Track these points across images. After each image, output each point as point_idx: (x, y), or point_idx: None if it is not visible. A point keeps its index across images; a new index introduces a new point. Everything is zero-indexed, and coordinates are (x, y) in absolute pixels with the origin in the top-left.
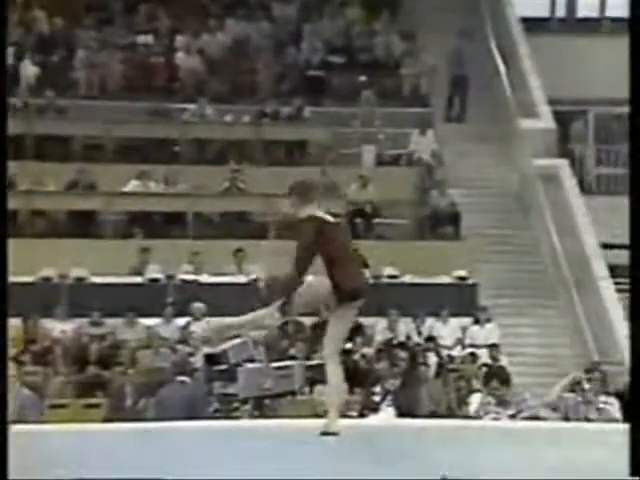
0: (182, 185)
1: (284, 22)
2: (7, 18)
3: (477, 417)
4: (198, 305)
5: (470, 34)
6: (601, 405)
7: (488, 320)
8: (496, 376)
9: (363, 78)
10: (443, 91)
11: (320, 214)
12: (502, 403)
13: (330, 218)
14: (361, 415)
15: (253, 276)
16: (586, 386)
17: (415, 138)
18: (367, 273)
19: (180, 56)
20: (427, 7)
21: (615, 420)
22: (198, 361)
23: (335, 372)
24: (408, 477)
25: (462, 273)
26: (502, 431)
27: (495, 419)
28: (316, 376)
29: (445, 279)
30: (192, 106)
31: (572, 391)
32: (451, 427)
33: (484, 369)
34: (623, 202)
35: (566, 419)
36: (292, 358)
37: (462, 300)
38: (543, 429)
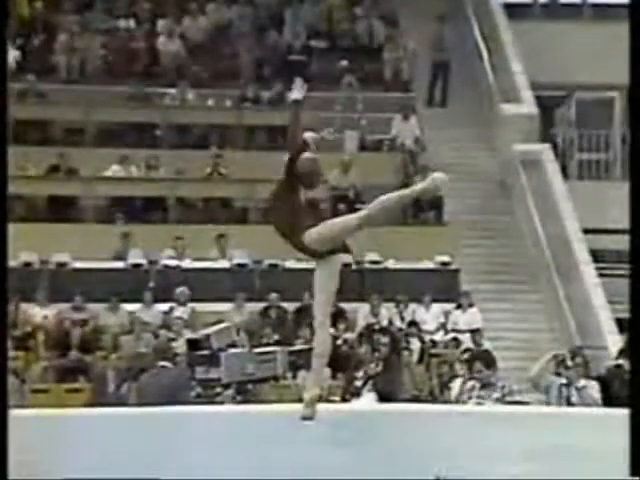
0: (163, 170)
1: (265, 6)
2: (7, 18)
3: (458, 402)
4: (182, 290)
5: (452, 19)
6: (582, 389)
7: (470, 305)
8: (481, 359)
9: (345, 63)
10: (425, 76)
11: None
12: (486, 387)
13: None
14: (343, 400)
15: (236, 261)
16: (569, 363)
17: (397, 123)
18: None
19: (161, 40)
20: None
21: (596, 404)
22: (180, 346)
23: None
24: (390, 462)
25: (445, 258)
26: (486, 415)
27: (479, 403)
28: (299, 361)
29: (428, 264)
30: (173, 90)
31: (557, 374)
32: (433, 412)
33: (467, 354)
34: (605, 187)
35: (548, 403)
36: (275, 343)
37: (444, 285)
38: (527, 413)
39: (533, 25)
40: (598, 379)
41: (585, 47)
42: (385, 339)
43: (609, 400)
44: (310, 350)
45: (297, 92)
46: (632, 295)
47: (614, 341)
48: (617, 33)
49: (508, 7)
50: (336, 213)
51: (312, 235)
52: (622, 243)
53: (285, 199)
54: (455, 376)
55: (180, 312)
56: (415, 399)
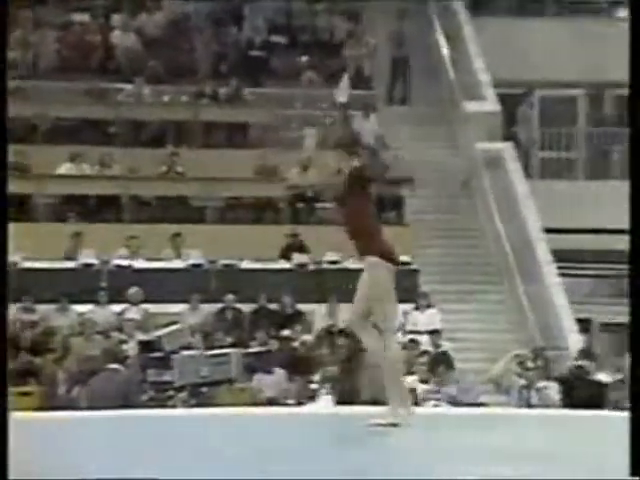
0: (118, 167)
1: (224, 1)
2: (7, 18)
3: (416, 404)
4: (135, 290)
5: (414, 15)
6: (542, 390)
7: (429, 306)
8: (440, 362)
9: (305, 59)
10: (387, 73)
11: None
12: (443, 389)
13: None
14: (299, 403)
15: (191, 261)
16: (530, 364)
17: (358, 121)
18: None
19: (117, 35)
20: None
21: (555, 405)
22: (132, 348)
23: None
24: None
25: (404, 258)
26: (441, 417)
27: (436, 405)
28: (254, 364)
29: None
30: (128, 86)
31: (518, 375)
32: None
33: (425, 356)
34: (567, 186)
35: (508, 404)
36: (230, 345)
37: (404, 286)
38: (486, 415)
39: (496, 22)
40: (558, 380)
41: (548, 44)
42: (344, 341)
43: (570, 401)
44: (267, 352)
45: (343, 93)
46: (632, 295)
47: (575, 341)
48: (580, 30)
49: (470, 3)
50: (295, 212)
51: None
52: (584, 243)
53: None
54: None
55: (133, 313)
56: (373, 401)
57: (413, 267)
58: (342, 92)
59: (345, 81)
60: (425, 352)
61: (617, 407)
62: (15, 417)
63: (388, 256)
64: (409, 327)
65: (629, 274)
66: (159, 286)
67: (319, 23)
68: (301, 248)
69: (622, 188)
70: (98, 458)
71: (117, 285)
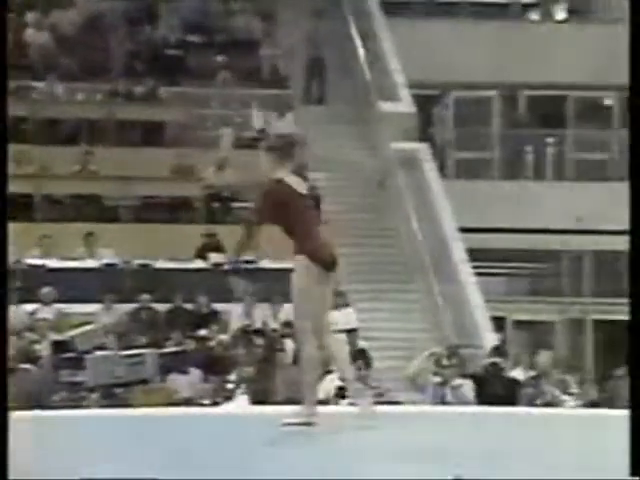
0: (30, 166)
1: None
2: (7, 19)
3: (327, 402)
4: (47, 290)
5: (329, 15)
6: (457, 387)
7: (346, 305)
8: (358, 359)
9: (221, 58)
10: (302, 73)
11: (291, 180)
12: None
13: (301, 187)
14: (214, 403)
15: (105, 261)
16: (445, 362)
17: (274, 121)
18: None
19: (29, 33)
20: None
21: (470, 403)
22: (45, 348)
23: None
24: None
25: None
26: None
27: (352, 404)
28: (169, 364)
29: None
30: (41, 84)
31: (434, 373)
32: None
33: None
34: (482, 186)
35: (423, 402)
36: (145, 346)
37: None
38: (402, 413)
39: (411, 23)
40: (473, 377)
41: (462, 46)
42: (260, 341)
43: (484, 398)
44: (182, 352)
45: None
46: (632, 295)
47: (490, 339)
48: (493, 32)
49: (385, 4)
50: (211, 212)
51: None
52: (499, 242)
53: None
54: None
55: (45, 313)
56: (289, 401)
57: None
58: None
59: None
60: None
61: (531, 404)
62: None
63: (318, 257)
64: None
65: (629, 274)
66: (72, 286)
67: (235, 23)
68: (217, 248)
69: (535, 188)
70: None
71: (30, 285)
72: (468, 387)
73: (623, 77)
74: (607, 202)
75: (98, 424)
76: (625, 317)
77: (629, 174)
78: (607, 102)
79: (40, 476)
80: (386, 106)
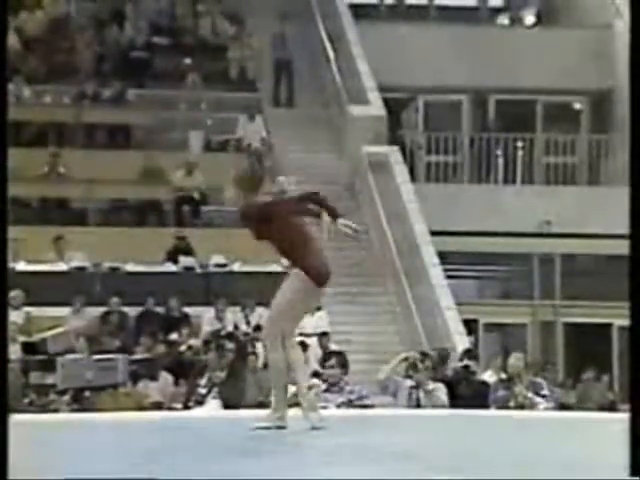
0: None
1: (106, 1)
2: (7, 20)
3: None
4: (16, 293)
5: (298, 18)
6: (431, 391)
7: (318, 308)
8: (334, 361)
9: (188, 61)
10: (271, 75)
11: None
12: (334, 390)
13: (284, 204)
14: (186, 407)
15: (74, 264)
16: (419, 366)
17: (243, 123)
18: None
19: None
20: None
21: (444, 406)
22: (14, 351)
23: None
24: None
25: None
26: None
27: (323, 407)
28: (140, 370)
29: (274, 267)
30: (8, 86)
31: (408, 376)
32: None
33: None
34: (452, 190)
35: (396, 405)
36: (116, 350)
37: None
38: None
39: (380, 26)
40: (444, 381)
41: (432, 49)
42: (231, 345)
43: (455, 401)
44: (153, 357)
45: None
46: (632, 295)
47: (461, 342)
48: (463, 36)
49: (354, 7)
50: (181, 215)
51: None
52: (470, 245)
53: None
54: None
55: (14, 317)
56: (260, 405)
57: None
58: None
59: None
60: (332, 353)
61: (501, 407)
62: None
63: (314, 276)
64: (297, 329)
65: (629, 274)
66: (42, 289)
67: (202, 25)
68: (187, 251)
69: (505, 191)
70: None
71: None
72: (442, 391)
73: (592, 81)
74: (576, 206)
75: (67, 428)
76: (594, 319)
77: (630, 176)
78: (576, 106)
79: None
80: (356, 109)
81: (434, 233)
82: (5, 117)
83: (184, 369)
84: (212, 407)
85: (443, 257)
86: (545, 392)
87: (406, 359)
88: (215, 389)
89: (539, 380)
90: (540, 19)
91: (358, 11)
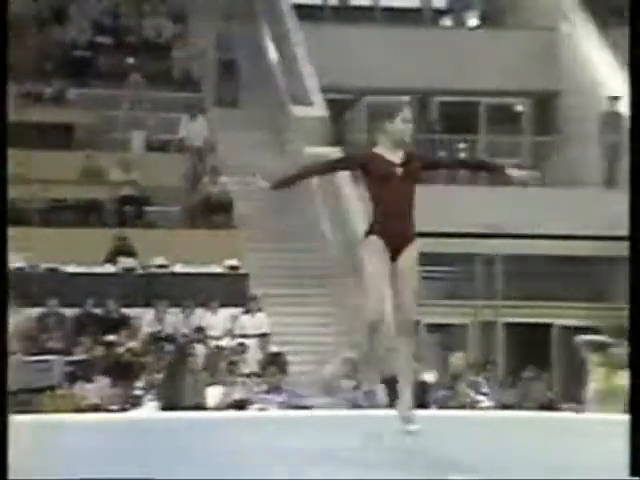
0: None
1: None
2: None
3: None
4: None
5: (243, 18)
6: (370, 391)
7: (259, 310)
8: (273, 363)
9: (131, 60)
10: (214, 75)
11: None
12: (274, 391)
13: None
14: (123, 409)
15: (13, 265)
16: (359, 367)
17: (186, 123)
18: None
19: None
20: None
21: (382, 406)
22: None
23: None
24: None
25: (233, 262)
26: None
27: (262, 409)
28: (77, 371)
29: (216, 269)
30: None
31: (348, 377)
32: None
33: (261, 357)
34: None
35: (336, 406)
36: (53, 352)
37: (233, 290)
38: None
39: (324, 28)
40: (384, 381)
41: (376, 51)
42: (170, 346)
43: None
44: (91, 358)
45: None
46: (632, 295)
47: None
48: (408, 38)
49: (298, 8)
50: (122, 215)
51: None
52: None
53: None
54: (213, 383)
55: None
56: (198, 406)
57: (242, 271)
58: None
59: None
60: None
61: (443, 406)
62: None
63: None
64: (237, 331)
65: (629, 275)
66: None
67: (146, 25)
68: (129, 252)
69: (448, 192)
70: None
71: None
72: (381, 391)
73: (534, 83)
74: (519, 207)
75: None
76: (535, 319)
77: (629, 178)
78: (518, 108)
79: None
80: (298, 110)
81: None
82: (5, 117)
83: (122, 371)
84: (149, 409)
85: None
86: (486, 391)
87: (347, 360)
88: (153, 391)
89: (480, 379)
90: (484, 21)
91: (302, 12)
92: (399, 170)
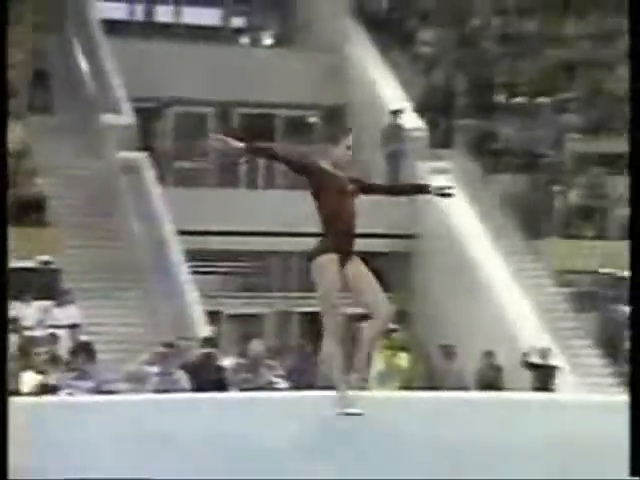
0: None
1: None
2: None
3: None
4: None
5: (55, 31)
6: (174, 377)
7: (71, 302)
8: (82, 351)
9: None
10: (28, 84)
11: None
12: (83, 377)
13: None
14: None
15: None
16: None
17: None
18: None
19: None
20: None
21: (185, 390)
22: None
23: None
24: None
25: (46, 258)
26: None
27: (70, 394)
28: None
29: (29, 263)
30: None
31: (154, 364)
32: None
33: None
34: (200, 193)
35: (144, 391)
36: None
37: (45, 283)
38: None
39: (132, 42)
40: (185, 367)
41: (181, 65)
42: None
43: (198, 385)
44: None
45: None
46: (632, 295)
47: (205, 332)
48: (210, 54)
49: (107, 24)
50: None
51: None
52: (214, 243)
53: None
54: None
55: None
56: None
57: (55, 266)
58: None
59: None
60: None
61: (244, 389)
62: None
63: None
64: (49, 322)
65: (630, 275)
66: None
67: None
68: None
69: (248, 195)
70: None
71: None
72: (183, 377)
73: (326, 97)
74: (310, 208)
75: None
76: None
77: (630, 181)
78: (311, 120)
79: None
80: (109, 118)
81: (182, 232)
82: (5, 117)
83: None
84: None
85: (190, 254)
86: (282, 373)
87: (158, 352)
88: None
89: (275, 363)
90: (278, 41)
91: (111, 27)
92: (350, 187)
